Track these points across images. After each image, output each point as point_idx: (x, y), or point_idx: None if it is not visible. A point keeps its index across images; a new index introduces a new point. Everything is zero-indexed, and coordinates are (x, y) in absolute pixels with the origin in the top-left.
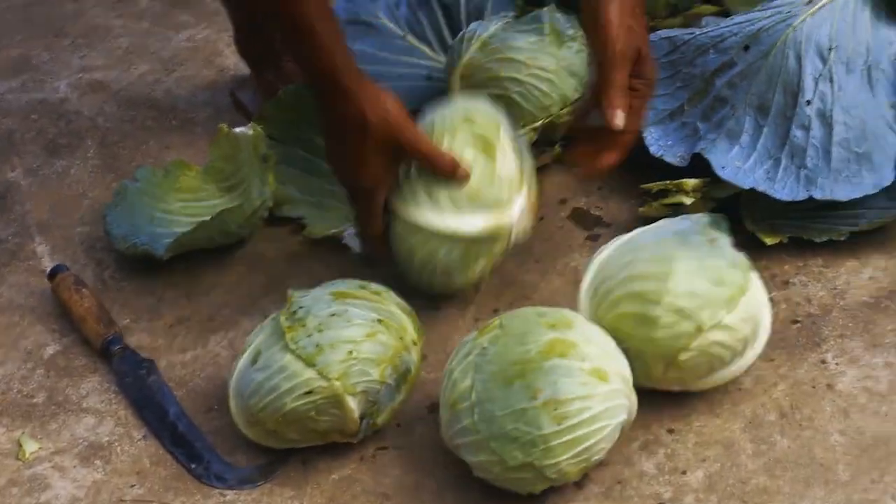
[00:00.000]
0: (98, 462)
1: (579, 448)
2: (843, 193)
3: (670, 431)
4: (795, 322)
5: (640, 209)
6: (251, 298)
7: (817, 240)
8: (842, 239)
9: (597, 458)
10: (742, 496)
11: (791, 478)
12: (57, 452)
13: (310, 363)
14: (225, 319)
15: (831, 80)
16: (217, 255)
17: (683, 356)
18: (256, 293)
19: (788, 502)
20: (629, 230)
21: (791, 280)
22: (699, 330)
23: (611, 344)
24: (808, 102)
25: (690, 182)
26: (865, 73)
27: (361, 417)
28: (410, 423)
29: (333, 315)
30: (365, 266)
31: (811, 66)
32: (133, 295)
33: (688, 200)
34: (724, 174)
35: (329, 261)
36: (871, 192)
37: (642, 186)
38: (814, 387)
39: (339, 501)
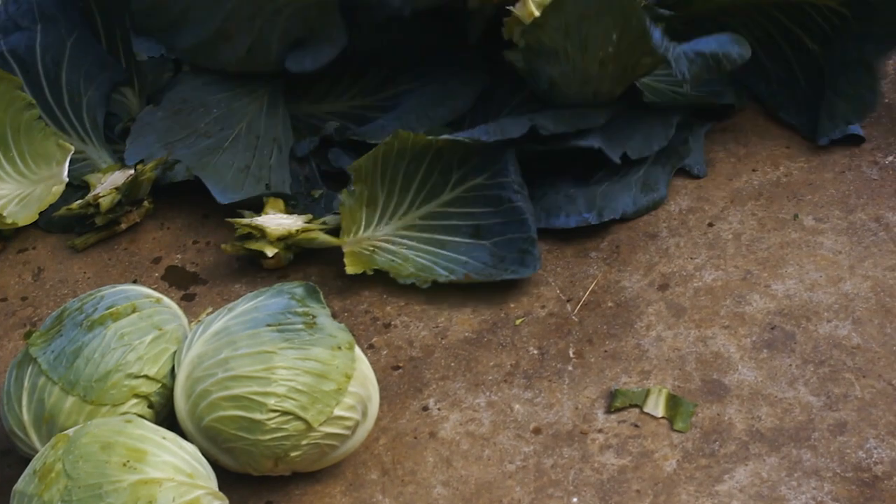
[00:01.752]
0: None
1: None
2: None
3: None
4: (397, 368)
5: (223, 245)
6: None
7: (401, 282)
8: (424, 287)
9: None
10: None
11: None
12: None
13: None
14: None
15: None
16: None
17: (294, 453)
18: None
19: None
20: (226, 287)
21: (393, 322)
22: (309, 428)
23: (191, 454)
24: None
25: (272, 229)
26: None
27: None
28: None
29: None
30: None
31: None
32: None
33: (270, 252)
34: None
35: None
36: None
37: (227, 220)
38: (416, 437)
39: None
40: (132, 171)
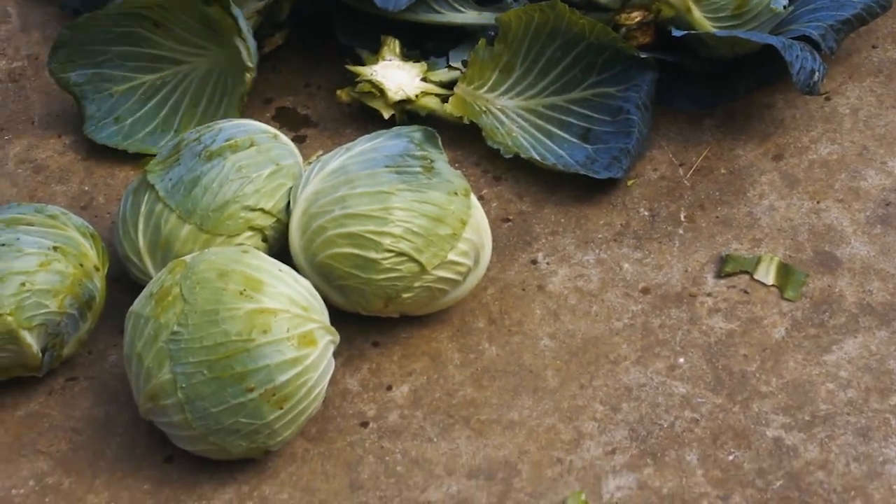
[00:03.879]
0: None
1: (302, 418)
2: None
3: (375, 345)
4: (507, 220)
5: (338, 92)
6: None
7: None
8: (506, 157)
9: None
10: (448, 409)
11: (499, 387)
12: None
13: None
14: None
15: None
16: None
17: (406, 295)
18: None
19: (496, 413)
20: (337, 131)
21: (504, 176)
22: (422, 271)
23: (307, 288)
24: None
25: (392, 92)
26: None
27: (43, 350)
28: (103, 350)
29: (3, 245)
30: (59, 183)
31: None
32: None
33: (386, 114)
34: None
35: (17, 178)
36: None
37: (348, 68)
38: (524, 289)
39: (26, 439)
40: None
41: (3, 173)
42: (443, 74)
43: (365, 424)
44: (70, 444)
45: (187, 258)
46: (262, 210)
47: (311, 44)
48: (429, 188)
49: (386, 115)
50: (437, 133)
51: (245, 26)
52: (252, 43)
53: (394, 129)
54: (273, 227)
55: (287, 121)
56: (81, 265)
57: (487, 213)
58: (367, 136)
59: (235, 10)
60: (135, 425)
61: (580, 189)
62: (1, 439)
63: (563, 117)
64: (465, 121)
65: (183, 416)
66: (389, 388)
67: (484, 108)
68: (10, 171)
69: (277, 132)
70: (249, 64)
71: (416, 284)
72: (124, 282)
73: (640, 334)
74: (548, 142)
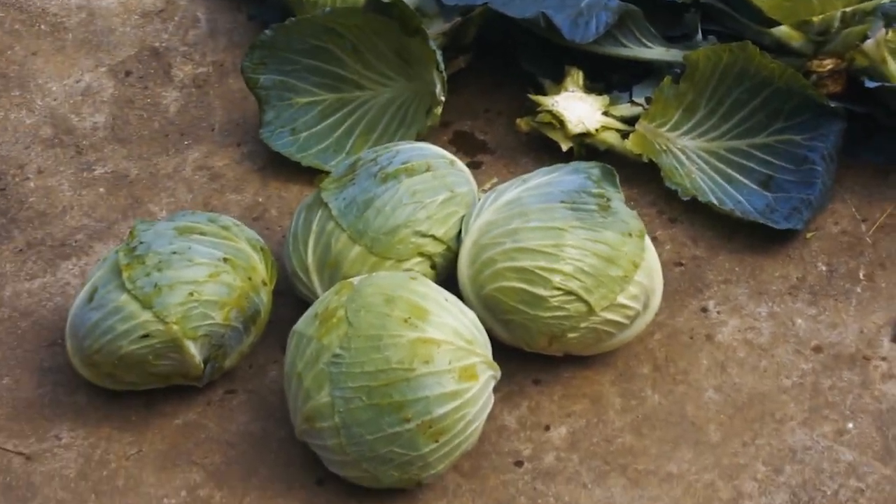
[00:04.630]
0: None
1: (457, 453)
2: None
3: (536, 382)
4: (679, 265)
5: (518, 120)
6: (108, 222)
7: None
8: (684, 199)
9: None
10: (605, 456)
11: (659, 437)
12: None
13: (147, 305)
14: (79, 245)
15: None
16: (76, 171)
17: (571, 335)
18: (114, 216)
19: (654, 464)
20: (513, 159)
21: (679, 218)
22: (590, 312)
23: (472, 320)
24: None
25: (572, 125)
26: None
27: (205, 361)
28: (263, 365)
29: (175, 253)
30: (233, 192)
31: None
32: None
33: (564, 146)
34: None
35: (193, 185)
36: None
37: (530, 97)
38: (692, 337)
39: (182, 449)
40: (458, 18)
41: (180, 178)
42: (625, 109)
43: (519, 464)
44: (224, 457)
45: (354, 280)
46: (432, 237)
47: (493, 67)
48: (603, 227)
49: (564, 148)
50: (615, 171)
51: (441, 59)
52: (445, 76)
53: (572, 163)
54: (442, 255)
55: (464, 145)
56: (250, 278)
57: (660, 256)
58: (545, 169)
59: (433, 43)
60: (289, 444)
61: (757, 238)
62: (157, 447)
63: (745, 162)
64: (644, 159)
65: (338, 441)
66: (547, 427)
67: (664, 147)
68: (187, 177)
69: (454, 158)
70: (442, 98)
71: (583, 325)
72: (290, 297)
73: (808, 394)
74: (727, 186)
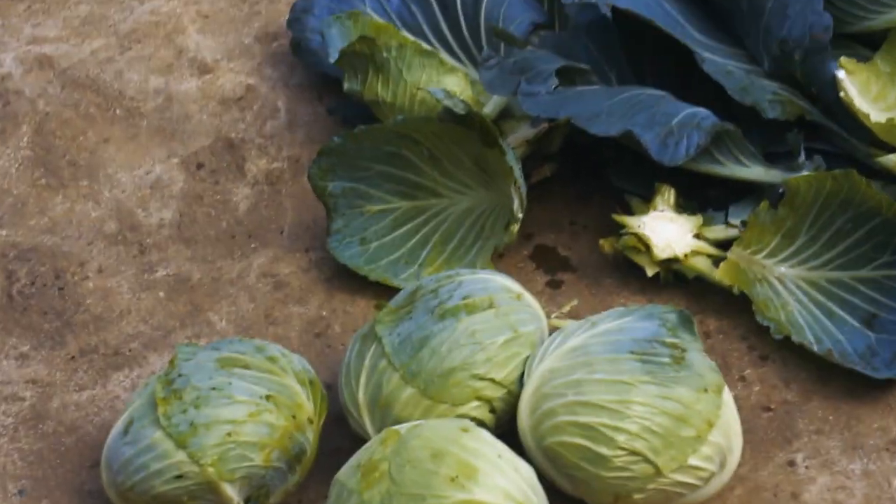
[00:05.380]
0: None
1: None
2: None
3: None
4: (768, 410)
5: (601, 241)
6: (165, 330)
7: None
8: (776, 337)
9: None
10: None
11: None
12: None
13: (181, 444)
14: (132, 354)
15: None
16: (137, 271)
17: (637, 495)
18: (172, 324)
19: None
20: (596, 280)
21: (771, 356)
22: (658, 473)
23: (526, 479)
24: None
25: (659, 249)
26: None
27: (246, 500)
28: (313, 500)
29: (214, 389)
30: (297, 303)
31: None
32: (39, 316)
33: (650, 272)
34: None
35: (256, 293)
36: None
37: (615, 217)
38: (776, 494)
39: None
40: (544, 124)
41: (243, 286)
42: (719, 231)
43: None
44: None
45: (402, 429)
46: (491, 380)
47: (581, 176)
48: (675, 382)
49: (650, 273)
50: (692, 318)
51: (520, 174)
52: (524, 191)
53: (647, 307)
54: (503, 399)
55: (545, 262)
56: (294, 417)
57: (747, 398)
58: (616, 311)
59: (512, 158)
60: None
61: (856, 382)
62: None
63: (847, 296)
64: (736, 291)
65: None
66: None
67: (759, 276)
68: (250, 285)
69: (522, 291)
70: (519, 214)
71: (650, 486)
72: (344, 425)
73: None
74: (826, 321)
